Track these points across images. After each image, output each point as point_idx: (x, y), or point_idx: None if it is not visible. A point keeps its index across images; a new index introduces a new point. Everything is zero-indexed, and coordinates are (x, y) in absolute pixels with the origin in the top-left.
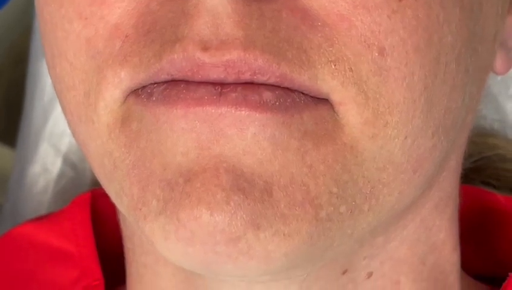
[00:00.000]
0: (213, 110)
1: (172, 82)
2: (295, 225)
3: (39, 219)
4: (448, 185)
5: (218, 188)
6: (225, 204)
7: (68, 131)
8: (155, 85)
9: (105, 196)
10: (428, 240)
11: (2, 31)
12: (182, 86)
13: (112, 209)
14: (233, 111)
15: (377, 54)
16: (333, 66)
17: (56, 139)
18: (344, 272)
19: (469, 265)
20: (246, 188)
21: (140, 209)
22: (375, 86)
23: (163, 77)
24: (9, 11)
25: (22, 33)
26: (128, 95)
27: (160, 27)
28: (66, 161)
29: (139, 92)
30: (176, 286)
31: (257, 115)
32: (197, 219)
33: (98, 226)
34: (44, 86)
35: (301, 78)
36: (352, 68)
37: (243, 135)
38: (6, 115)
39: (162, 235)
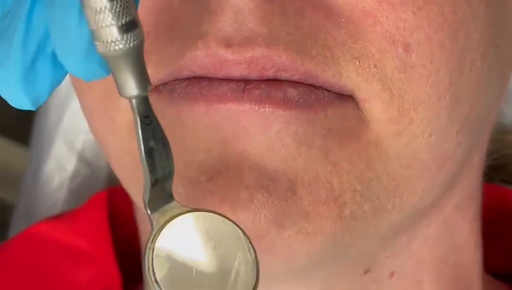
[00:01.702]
0: (236, 107)
1: (195, 79)
2: (319, 223)
3: (55, 217)
4: (471, 184)
5: (241, 186)
6: (249, 202)
7: (83, 128)
8: (177, 82)
9: (122, 195)
10: (451, 239)
11: None
12: (204, 82)
13: (128, 208)
14: (256, 108)
15: (402, 51)
16: (358, 63)
17: (71, 136)
18: (366, 272)
19: (489, 263)
20: (270, 186)
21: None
22: (400, 82)
23: (186, 73)
24: None
25: None
26: (150, 92)
27: (182, 24)
28: (81, 158)
29: (161, 89)
30: None
31: (281, 112)
32: None
33: (115, 225)
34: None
35: (325, 75)
36: (377, 65)
37: (267, 132)
38: (18, 114)
39: None
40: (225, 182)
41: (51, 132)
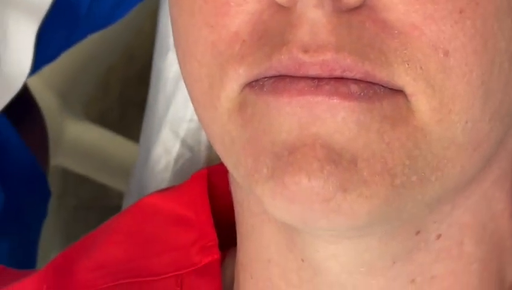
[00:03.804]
0: (311, 99)
1: (280, 77)
2: (375, 189)
3: (163, 190)
4: (507, 163)
5: (314, 159)
6: (320, 172)
7: (186, 118)
8: (266, 79)
9: (219, 172)
10: (489, 209)
11: (117, 34)
12: (287, 80)
13: (224, 182)
14: (327, 99)
15: (442, 56)
16: (407, 65)
17: (176, 125)
18: (417, 233)
19: None
20: (336, 160)
21: (253, 176)
22: (440, 81)
23: (272, 72)
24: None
25: (133, 35)
26: (244, 87)
27: (270, 34)
28: (184, 144)
29: (253, 84)
30: (277, 242)
31: (346, 102)
32: (298, 183)
33: (213, 197)
34: (166, 80)
35: (381, 75)
36: (422, 67)
37: (335, 118)
38: (121, 109)
39: (270, 196)
40: (302, 156)
41: (159, 121)
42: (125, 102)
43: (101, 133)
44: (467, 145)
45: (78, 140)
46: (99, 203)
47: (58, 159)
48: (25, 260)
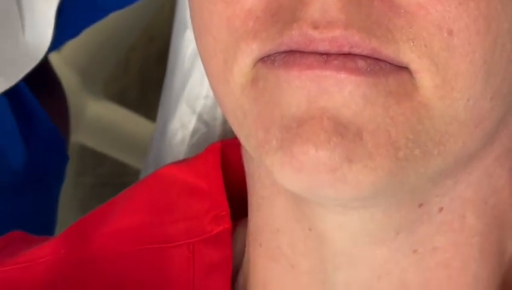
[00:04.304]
0: (320, 73)
1: (290, 52)
2: (379, 161)
3: (179, 161)
4: (508, 141)
5: (322, 131)
6: (327, 143)
7: (202, 94)
8: (277, 54)
9: (233, 146)
10: (490, 185)
11: (138, 14)
12: (297, 55)
13: (237, 156)
14: (335, 74)
15: (446, 35)
16: (412, 43)
17: (192, 101)
18: (420, 206)
19: None
20: (343, 132)
21: (263, 147)
22: (444, 59)
23: (284, 48)
24: None
25: (153, 15)
26: (257, 62)
27: (283, 11)
28: (200, 119)
29: (265, 60)
30: (286, 213)
31: (353, 77)
32: (306, 153)
33: (226, 168)
34: (184, 57)
35: (387, 51)
36: (427, 45)
37: (342, 92)
38: (140, 88)
39: (279, 166)
40: (310, 128)
41: (176, 96)
42: (144, 81)
43: (120, 112)
44: (468, 122)
45: (97, 118)
46: (117, 180)
47: (77, 136)
48: (45, 225)
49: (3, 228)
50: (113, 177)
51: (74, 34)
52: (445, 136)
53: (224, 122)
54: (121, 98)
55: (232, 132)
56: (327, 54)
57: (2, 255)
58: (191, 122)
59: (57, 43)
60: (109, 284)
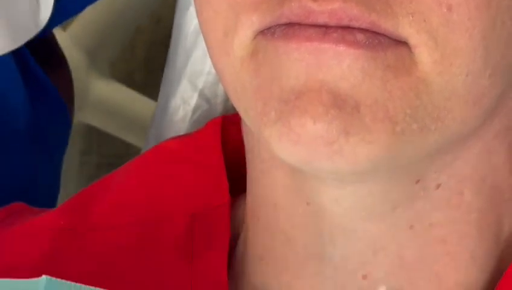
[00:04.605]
0: (319, 46)
1: (290, 24)
2: (376, 135)
3: (180, 136)
4: (508, 118)
5: (320, 103)
6: (324, 116)
7: (204, 71)
8: (277, 26)
9: (233, 121)
10: (489, 162)
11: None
12: (296, 27)
13: (238, 131)
14: (334, 47)
15: (445, 10)
16: (411, 18)
17: (194, 77)
18: (417, 182)
19: None
20: (341, 105)
21: (262, 119)
22: (443, 34)
23: (283, 20)
24: None
25: None
26: (257, 34)
27: None
28: (202, 95)
29: (265, 32)
30: (284, 187)
31: (352, 50)
32: (303, 125)
33: (226, 144)
34: (186, 34)
35: (386, 25)
36: (426, 20)
37: (341, 65)
38: (146, 71)
39: (277, 138)
40: (308, 101)
41: (178, 73)
42: (151, 64)
43: (126, 92)
44: (467, 98)
45: (103, 98)
46: (121, 160)
47: (83, 115)
48: (47, 196)
49: (5, 189)
50: (118, 157)
51: (78, 9)
52: (443, 111)
53: (226, 99)
54: (127, 80)
55: (233, 109)
56: (326, 27)
57: (2, 226)
58: (193, 99)
59: (61, 18)
60: (108, 256)
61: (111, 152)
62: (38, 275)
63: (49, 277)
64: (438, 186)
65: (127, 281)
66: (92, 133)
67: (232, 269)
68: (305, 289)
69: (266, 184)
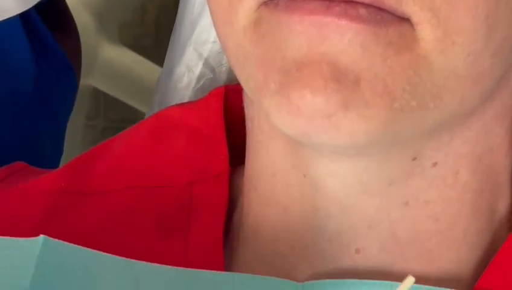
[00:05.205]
0: (321, 19)
1: None
2: (375, 110)
3: (183, 104)
4: (508, 99)
5: (320, 76)
6: (324, 89)
7: (210, 40)
8: None
9: (236, 91)
10: (487, 142)
11: None
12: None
13: (240, 101)
14: (336, 20)
15: None
16: None
17: (200, 45)
18: (414, 159)
19: None
20: (341, 79)
21: (262, 90)
22: (446, 12)
23: None
24: None
25: None
26: (261, 5)
27: None
28: (206, 64)
29: (268, 3)
30: (282, 158)
31: (354, 25)
32: (302, 98)
33: (229, 113)
34: (194, 2)
35: (389, 2)
36: None
37: (342, 39)
38: (155, 36)
39: (276, 109)
40: (308, 73)
41: (184, 42)
42: (160, 30)
43: (134, 57)
44: (467, 78)
45: (111, 62)
46: (127, 125)
47: (90, 79)
48: (51, 158)
49: (9, 149)
50: (124, 122)
51: None
52: (442, 90)
53: (230, 69)
54: (136, 45)
55: (237, 79)
56: (329, 1)
57: (3, 185)
58: (198, 67)
59: None
60: (105, 219)
61: (117, 117)
62: (36, 234)
63: (46, 236)
64: (435, 164)
65: (122, 245)
66: (99, 97)
67: (228, 238)
68: (299, 260)
69: (264, 155)
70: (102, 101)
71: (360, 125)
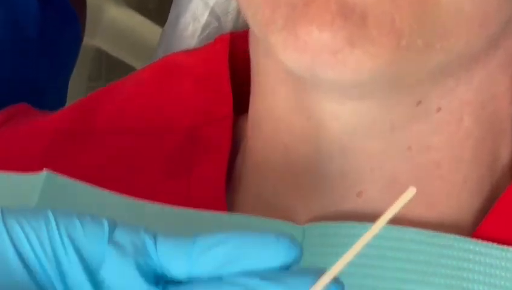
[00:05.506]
0: None
1: None
2: (381, 47)
3: (188, 50)
4: None
5: (327, 12)
6: (330, 25)
7: None
8: None
9: (242, 37)
10: (491, 90)
11: None
12: None
13: (245, 47)
14: None
15: None
16: None
17: None
18: (418, 103)
19: None
20: (348, 14)
21: (269, 26)
22: None
23: None
24: None
25: None
26: None
27: None
28: (212, 13)
29: None
30: (287, 101)
31: None
32: (309, 34)
33: (234, 59)
34: None
35: None
36: None
37: None
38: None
39: (282, 45)
40: (316, 8)
41: None
42: None
43: (138, 19)
44: (473, 18)
45: (115, 22)
46: None
47: (94, 39)
48: (54, 104)
49: (12, 95)
50: None
51: None
52: (448, 30)
53: (236, 19)
54: (140, 7)
55: (242, 28)
56: None
57: (6, 126)
58: (203, 16)
59: None
60: (107, 158)
61: (119, 78)
62: (39, 170)
63: (49, 171)
64: (439, 110)
65: (123, 185)
66: (102, 58)
67: (230, 181)
68: (300, 200)
69: (269, 98)
70: (105, 62)
71: (366, 62)
